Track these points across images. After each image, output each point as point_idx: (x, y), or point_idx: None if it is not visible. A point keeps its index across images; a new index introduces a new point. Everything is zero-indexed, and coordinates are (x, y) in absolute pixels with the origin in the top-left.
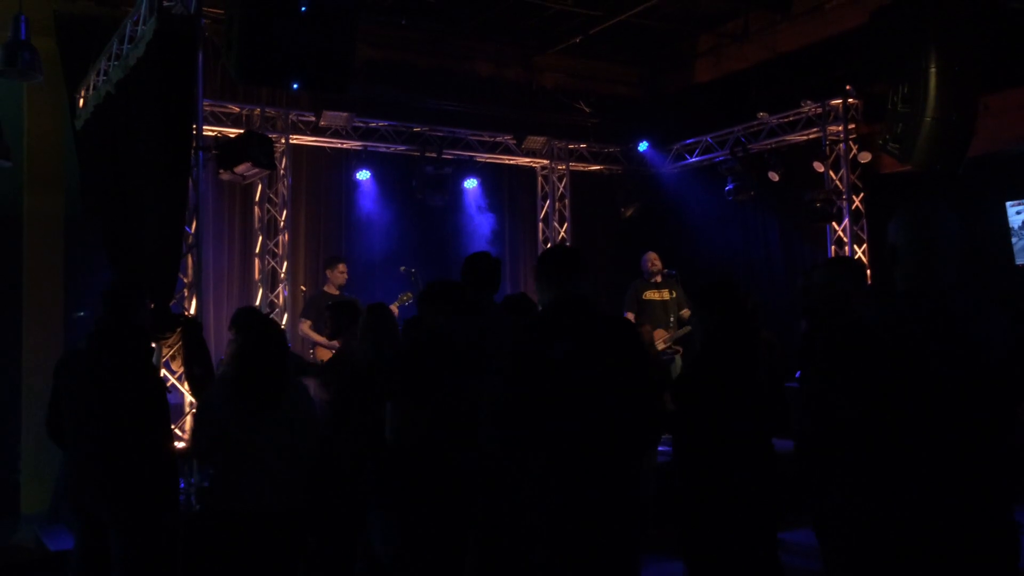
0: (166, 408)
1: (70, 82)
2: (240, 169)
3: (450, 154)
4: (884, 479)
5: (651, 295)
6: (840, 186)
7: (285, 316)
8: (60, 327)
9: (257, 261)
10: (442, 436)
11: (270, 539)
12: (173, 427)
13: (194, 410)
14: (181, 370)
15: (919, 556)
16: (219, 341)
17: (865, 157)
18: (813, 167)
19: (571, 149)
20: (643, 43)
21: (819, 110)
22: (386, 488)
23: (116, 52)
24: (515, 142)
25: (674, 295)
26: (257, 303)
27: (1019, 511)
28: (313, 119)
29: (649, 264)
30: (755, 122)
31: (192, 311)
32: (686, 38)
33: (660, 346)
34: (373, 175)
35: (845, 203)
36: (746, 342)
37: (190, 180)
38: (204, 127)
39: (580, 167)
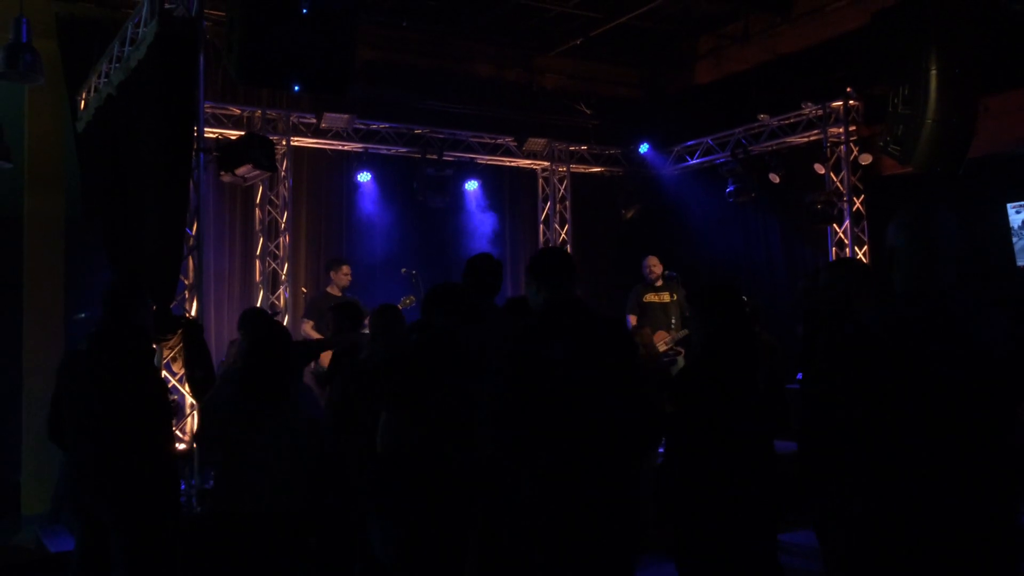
0: (167, 409)
1: (71, 84)
2: (241, 171)
3: (451, 156)
4: (885, 480)
5: (651, 298)
6: (841, 188)
7: (286, 318)
8: (60, 328)
9: (258, 263)
10: (443, 437)
11: (272, 540)
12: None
13: (195, 411)
14: (182, 372)
15: (920, 557)
16: (220, 343)
17: (866, 159)
18: (814, 169)
19: (572, 151)
20: (644, 45)
21: (820, 112)
22: (386, 491)
23: (117, 54)
24: (516, 144)
25: (675, 297)
26: (258, 305)
27: (1022, 512)
28: (314, 121)
29: (648, 268)
30: (756, 124)
31: (193, 313)
32: (686, 40)
33: (662, 347)
34: (374, 177)
35: (846, 205)
36: (745, 345)
37: (191, 182)
38: (205, 129)
39: (581, 169)
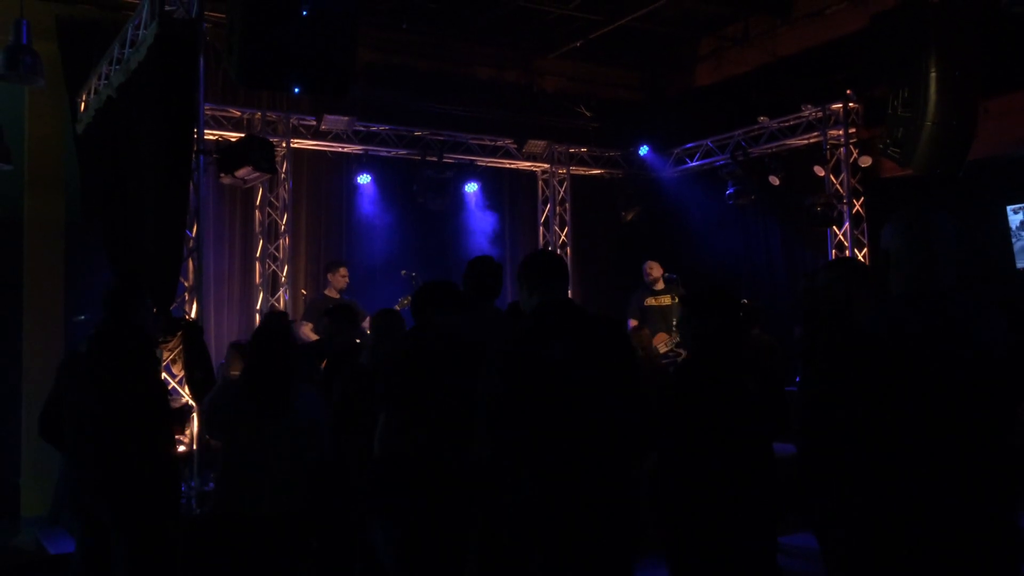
0: (167, 410)
1: (71, 86)
2: (241, 173)
3: (451, 158)
4: (885, 481)
5: (651, 301)
6: (841, 190)
7: None
8: (60, 330)
9: (258, 265)
10: (443, 438)
11: (272, 541)
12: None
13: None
14: (182, 374)
15: (920, 558)
16: (220, 345)
17: (866, 161)
18: (814, 171)
19: (572, 153)
20: (644, 47)
21: (819, 114)
22: (385, 492)
23: (117, 56)
24: (516, 146)
25: (676, 300)
26: (258, 307)
27: (1022, 514)
28: (314, 123)
29: (647, 273)
30: (756, 126)
31: (193, 315)
32: (687, 42)
33: (662, 348)
34: (374, 179)
35: (846, 207)
36: (733, 349)
37: (191, 184)
38: (205, 131)
39: (581, 171)
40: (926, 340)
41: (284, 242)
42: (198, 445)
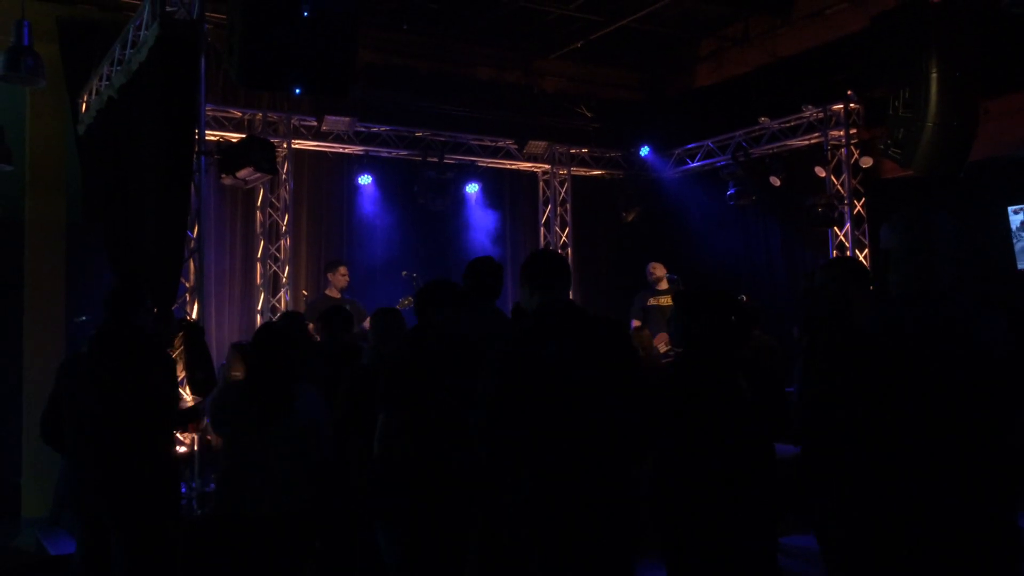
0: (168, 411)
1: (72, 87)
2: (242, 174)
3: (452, 159)
4: (885, 481)
5: (653, 302)
6: (841, 191)
7: None
8: (61, 331)
9: (259, 265)
10: (443, 438)
11: (274, 542)
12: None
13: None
14: (183, 374)
15: (920, 558)
16: (220, 345)
17: (866, 162)
18: (814, 172)
19: (572, 153)
20: (644, 47)
21: (820, 115)
22: (386, 492)
23: (118, 57)
24: (517, 147)
25: None
26: (259, 307)
27: (1022, 515)
28: (315, 124)
29: (650, 273)
30: (756, 127)
31: (194, 315)
32: (687, 42)
33: (662, 348)
34: (375, 180)
35: (847, 208)
36: (726, 348)
37: (192, 184)
38: (206, 132)
39: (581, 171)
40: (926, 340)
41: (285, 243)
42: (199, 446)
